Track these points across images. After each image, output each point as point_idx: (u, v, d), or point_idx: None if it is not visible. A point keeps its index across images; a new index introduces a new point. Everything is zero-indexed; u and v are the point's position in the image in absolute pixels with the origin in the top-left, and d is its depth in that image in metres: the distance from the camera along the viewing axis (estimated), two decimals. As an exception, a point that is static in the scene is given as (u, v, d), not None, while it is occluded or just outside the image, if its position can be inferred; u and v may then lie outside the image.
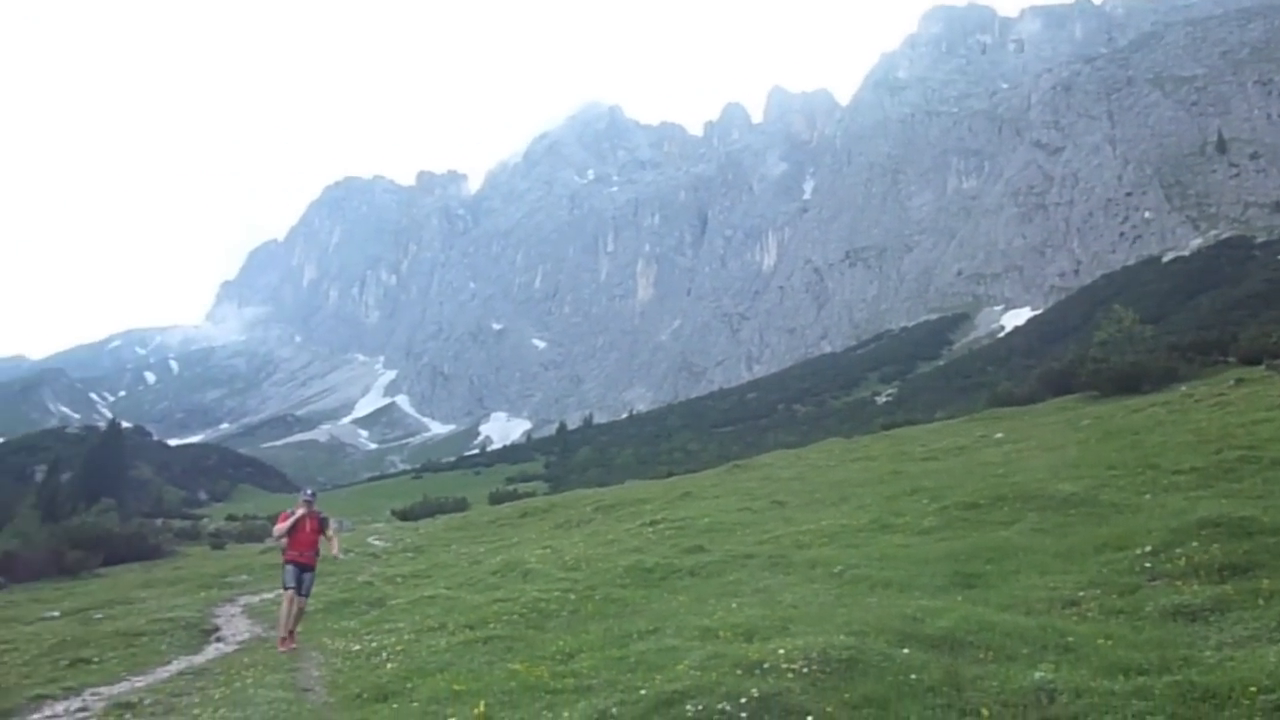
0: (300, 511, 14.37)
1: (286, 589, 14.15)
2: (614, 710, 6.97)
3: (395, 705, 9.00)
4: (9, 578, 43.21)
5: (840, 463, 32.34)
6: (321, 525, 14.54)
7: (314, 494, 15.00)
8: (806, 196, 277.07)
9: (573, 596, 13.65)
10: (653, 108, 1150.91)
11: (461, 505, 62.73)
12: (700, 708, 6.50)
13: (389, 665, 11.02)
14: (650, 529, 21.22)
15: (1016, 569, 11.02)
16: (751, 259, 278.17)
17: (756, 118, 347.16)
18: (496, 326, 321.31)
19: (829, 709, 6.31)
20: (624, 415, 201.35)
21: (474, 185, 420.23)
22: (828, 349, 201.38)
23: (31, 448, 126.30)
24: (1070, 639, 7.45)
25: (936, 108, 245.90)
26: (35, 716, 10.24)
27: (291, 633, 14.02)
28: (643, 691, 7.19)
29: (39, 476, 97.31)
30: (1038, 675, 6.37)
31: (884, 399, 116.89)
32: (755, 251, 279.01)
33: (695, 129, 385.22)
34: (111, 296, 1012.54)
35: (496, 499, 65.67)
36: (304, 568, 14.27)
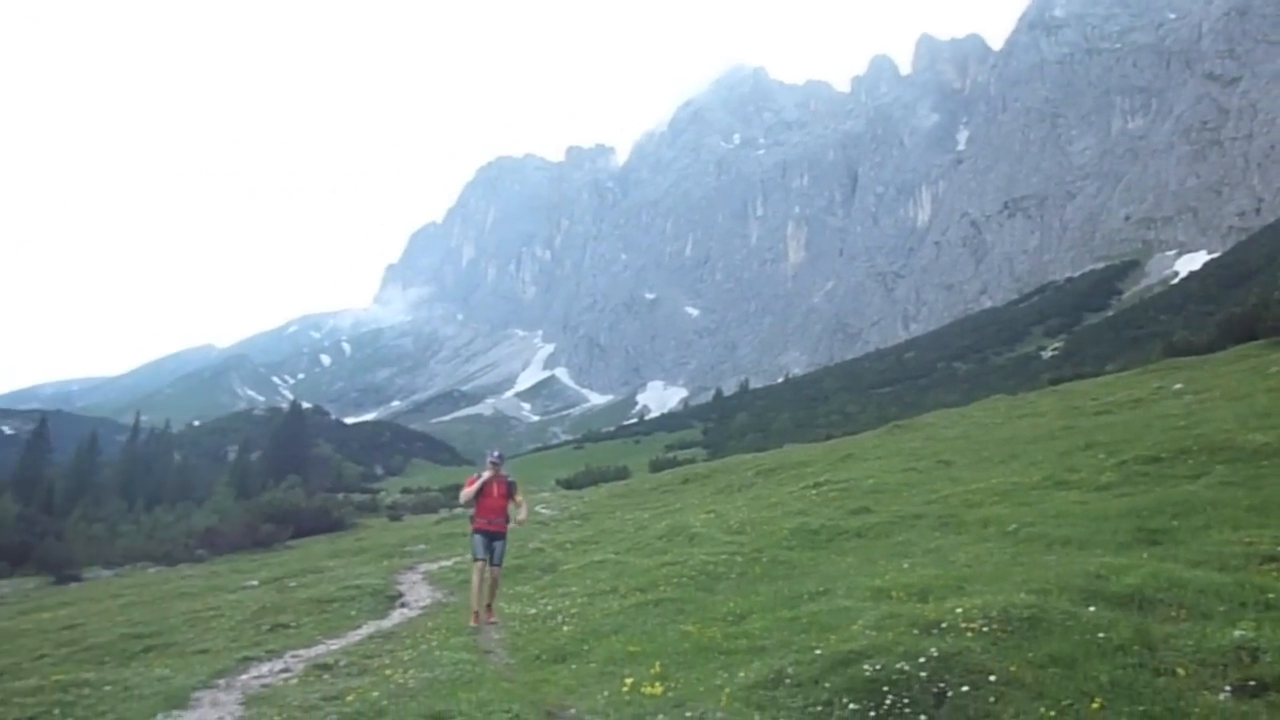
0: (487, 475, 13.24)
1: (477, 560, 13.02)
2: (789, 670, 6.99)
3: (574, 666, 9.26)
4: (210, 550, 46.39)
5: (1007, 420, 31.35)
6: (509, 490, 13.37)
7: (501, 455, 13.69)
8: (960, 147, 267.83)
9: (740, 559, 13.72)
10: (797, 67, 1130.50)
11: (623, 473, 63.66)
12: (878, 667, 6.45)
13: (565, 628, 11.34)
14: (813, 491, 21.09)
15: (1206, 524, 10.49)
16: (905, 215, 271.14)
17: (905, 69, 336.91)
18: (649, 296, 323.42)
19: (1013, 668, 6.18)
20: (779, 380, 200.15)
21: (621, 157, 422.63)
22: (988, 304, 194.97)
23: (223, 430, 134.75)
24: (1270, 596, 7.05)
25: (1097, 45, 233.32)
26: (244, 676, 10.93)
27: (488, 607, 13.15)
28: (818, 651, 7.18)
29: (231, 456, 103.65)
30: (1237, 634, 6.06)
31: (1050, 353, 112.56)
32: (908, 207, 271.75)
33: (842, 85, 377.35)
34: (288, 284, 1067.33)
35: (657, 466, 66.39)
36: (493, 535, 13.14)
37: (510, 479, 13.52)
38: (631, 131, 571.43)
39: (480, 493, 13.18)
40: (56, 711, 9.57)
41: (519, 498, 13.43)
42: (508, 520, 13.39)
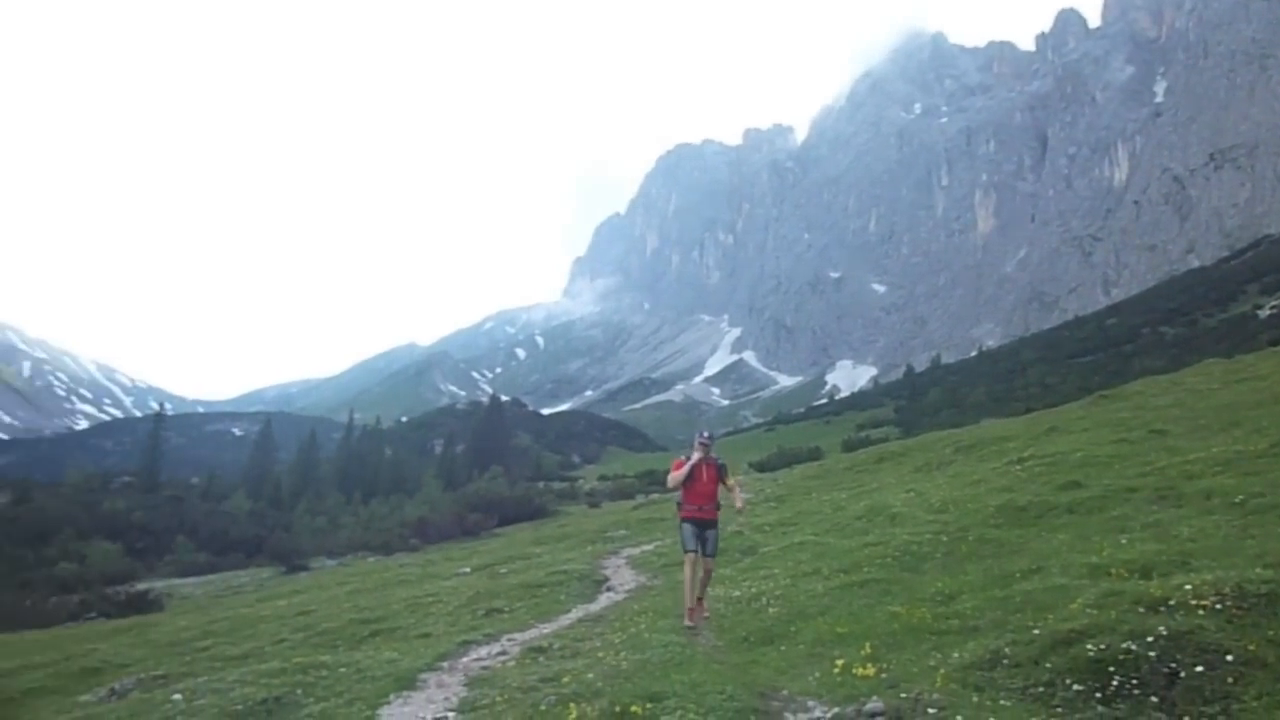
0: (696, 456, 11.93)
1: (687, 552, 11.76)
2: (1007, 650, 6.84)
3: (783, 648, 9.31)
4: (422, 539, 48.77)
5: (1224, 385, 29.31)
6: (720, 473, 12.08)
7: (711, 436, 12.37)
8: (1159, 99, 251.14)
9: (944, 539, 13.41)
10: (978, 29, 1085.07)
11: (816, 454, 63.11)
12: (1102, 647, 6.22)
13: (771, 610, 11.39)
14: (1017, 467, 20.33)
15: None
16: (1100, 175, 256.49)
17: (1094, 21, 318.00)
18: (834, 275, 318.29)
19: (1252, 647, 5.84)
20: (973, 353, 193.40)
21: (800, 136, 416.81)
22: (1195, 263, 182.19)
23: (429, 424, 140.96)
24: None
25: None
26: (465, 659, 11.49)
27: (700, 601, 11.87)
28: (1035, 631, 6.99)
29: (437, 450, 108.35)
30: None
31: (1268, 312, 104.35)
32: (1103, 167, 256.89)
33: (1026, 43, 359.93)
34: (483, 283, 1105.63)
35: (850, 446, 65.45)
36: (704, 524, 11.84)
37: (720, 461, 12.26)
38: (809, 109, 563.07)
39: (689, 477, 11.90)
40: (299, 691, 10.31)
41: (730, 481, 12.21)
42: (718, 506, 12.07)
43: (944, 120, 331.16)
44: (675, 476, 11.95)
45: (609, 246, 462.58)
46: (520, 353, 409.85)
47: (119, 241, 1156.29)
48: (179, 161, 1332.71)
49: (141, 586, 38.86)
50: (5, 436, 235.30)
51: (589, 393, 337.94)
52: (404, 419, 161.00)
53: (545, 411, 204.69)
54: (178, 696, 10.91)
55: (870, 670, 7.39)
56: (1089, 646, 6.30)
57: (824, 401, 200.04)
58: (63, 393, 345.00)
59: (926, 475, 26.37)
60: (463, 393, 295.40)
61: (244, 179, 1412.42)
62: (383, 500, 76.03)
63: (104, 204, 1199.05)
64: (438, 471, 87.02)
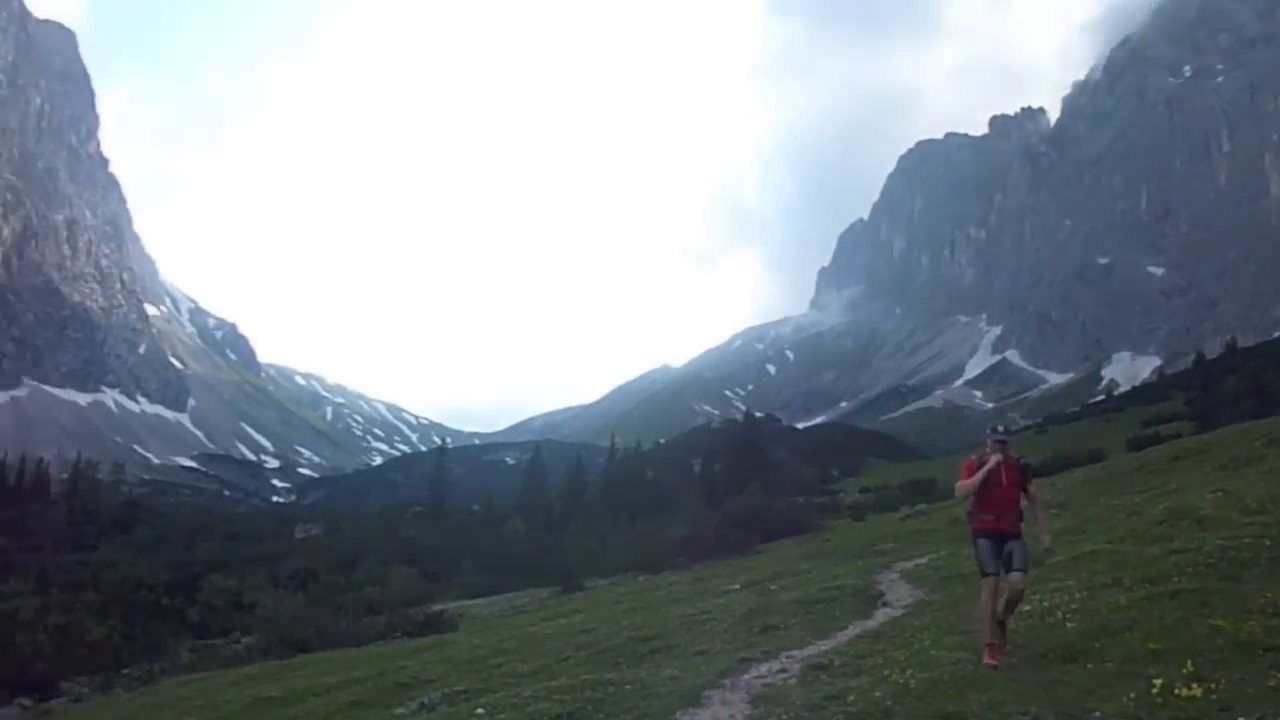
0: (994, 460, 10.04)
1: (986, 575, 9.88)
2: (1363, 668, 6.03)
3: (1089, 665, 8.65)
4: (689, 557, 49.32)
5: None
6: (1022, 475, 10.13)
7: (1006, 431, 10.39)
8: None
9: (1267, 543, 12.12)
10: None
11: (1097, 455, 59.08)
12: None
13: (1069, 624, 10.63)
14: (1345, 459, 18.22)
15: None
16: None
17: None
18: (1102, 261, 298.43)
19: None
20: (1276, 335, 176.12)
21: (1051, 117, 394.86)
22: None
23: (686, 444, 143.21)
24: None
25: None
26: (746, 676, 11.43)
27: (1003, 627, 9.93)
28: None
29: (696, 469, 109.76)
30: None
31: None
32: None
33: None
34: (730, 301, 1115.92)
35: (1136, 444, 60.96)
36: (1004, 536, 9.96)
37: (1023, 461, 10.28)
38: (1059, 87, 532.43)
39: (984, 483, 10.07)
40: (589, 707, 10.59)
41: (1032, 488, 10.20)
42: (1021, 516, 10.13)
43: (1220, 80, 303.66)
44: (966, 484, 10.17)
45: (853, 254, 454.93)
46: (771, 368, 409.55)
47: (392, 291, 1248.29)
48: (432, 208, 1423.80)
49: (436, 607, 41.39)
50: (315, 474, 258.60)
51: (843, 404, 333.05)
52: (662, 440, 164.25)
53: (800, 425, 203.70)
54: (481, 711, 11.49)
55: (1196, 691, 6.72)
56: None
57: (1101, 398, 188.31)
58: (359, 433, 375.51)
59: (1234, 473, 24.13)
60: (716, 411, 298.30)
61: (492, 223, 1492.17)
62: (647, 520, 77.63)
63: (373, 255, 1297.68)
64: (698, 490, 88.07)
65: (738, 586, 24.84)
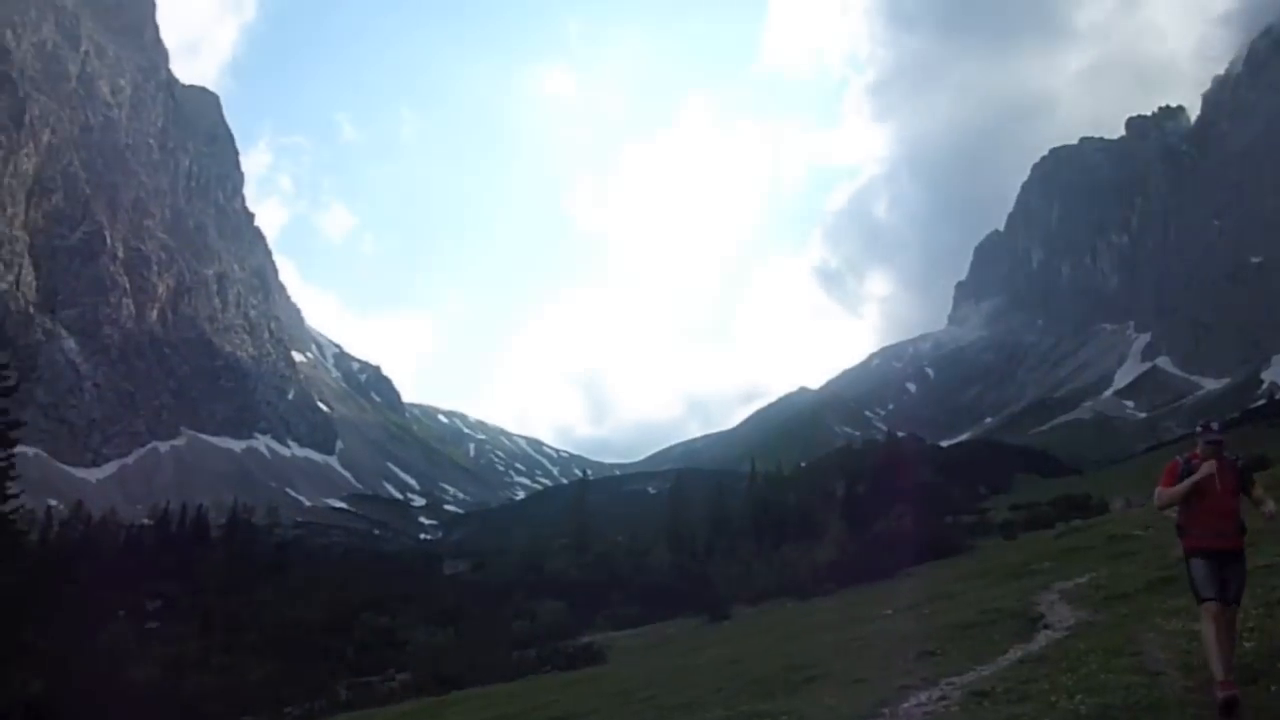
0: (1205, 468, 8.56)
1: (1204, 601, 8.47)
2: None
3: (1271, 688, 8.33)
4: (836, 583, 48.73)
5: None
6: (1241, 480, 8.64)
7: (1220, 427, 8.89)
8: None
9: None
10: None
11: (1262, 462, 56.08)
12: None
13: (1246, 644, 10.21)
14: None
15: None
16: None
17: None
18: (1255, 260, 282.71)
19: None
20: None
21: (1192, 115, 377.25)
22: None
23: (827, 467, 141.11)
24: None
25: None
26: (906, 704, 11.31)
27: (1229, 665, 8.19)
28: None
29: (839, 491, 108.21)
30: None
31: None
32: None
33: None
34: (866, 319, 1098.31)
35: (1310, 450, 57.61)
36: (1225, 556, 8.49)
37: (1240, 461, 8.82)
38: (1197, 84, 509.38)
39: (1193, 492, 8.63)
40: (747, 739, 10.67)
41: (1257, 492, 8.68)
42: (1243, 529, 8.65)
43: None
44: (1167, 492, 8.76)
45: (990, 266, 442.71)
46: (911, 386, 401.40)
47: (525, 327, 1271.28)
48: (560, 243, 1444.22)
49: (584, 640, 41.97)
50: (460, 510, 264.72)
51: (988, 420, 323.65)
52: (803, 464, 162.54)
53: (944, 444, 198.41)
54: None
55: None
56: None
57: (1262, 403, 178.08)
58: (502, 468, 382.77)
59: None
60: (857, 433, 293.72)
61: (621, 256, 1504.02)
62: (792, 546, 76.88)
63: (505, 291, 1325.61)
64: (842, 513, 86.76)
65: (890, 611, 24.48)
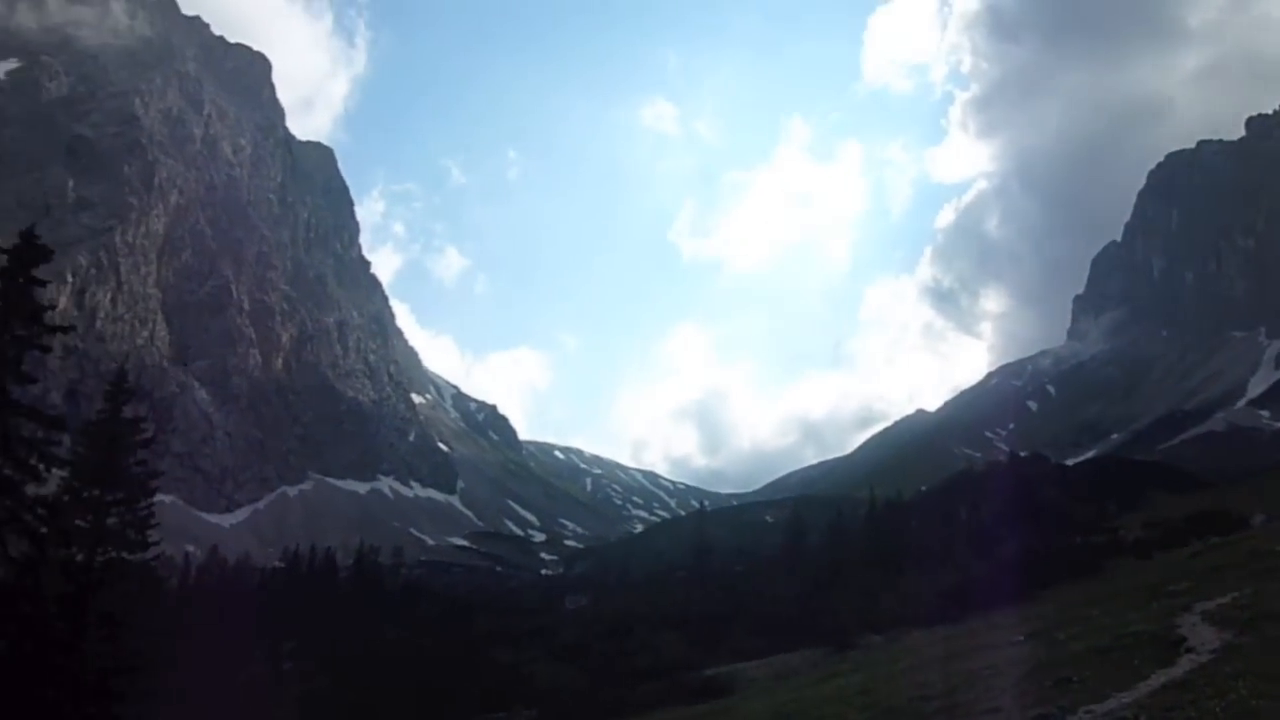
0: None
1: None
2: None
3: None
4: (962, 609, 47.64)
5: None
6: None
7: None
8: None
9: None
10: None
11: None
12: None
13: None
14: None
15: None
16: None
17: None
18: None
19: None
20: None
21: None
22: None
23: (948, 491, 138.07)
24: None
25: None
26: (1043, 733, 11.11)
27: None
28: None
29: (963, 515, 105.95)
30: None
31: None
32: None
33: None
34: (981, 337, 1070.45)
35: None
36: None
37: None
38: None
39: None
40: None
41: None
42: None
43: None
44: None
45: (1109, 277, 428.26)
46: (1032, 404, 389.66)
47: (636, 360, 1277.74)
48: (664, 279, 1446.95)
49: (709, 672, 41.85)
50: (579, 545, 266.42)
51: (1114, 436, 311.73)
52: (923, 488, 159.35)
53: (1069, 462, 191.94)
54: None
55: None
56: None
57: None
58: (619, 501, 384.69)
59: None
60: (978, 454, 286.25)
61: (729, 285, 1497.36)
62: (916, 572, 75.49)
63: (614, 325, 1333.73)
64: (967, 537, 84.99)
65: (1021, 637, 23.89)
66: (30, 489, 25.34)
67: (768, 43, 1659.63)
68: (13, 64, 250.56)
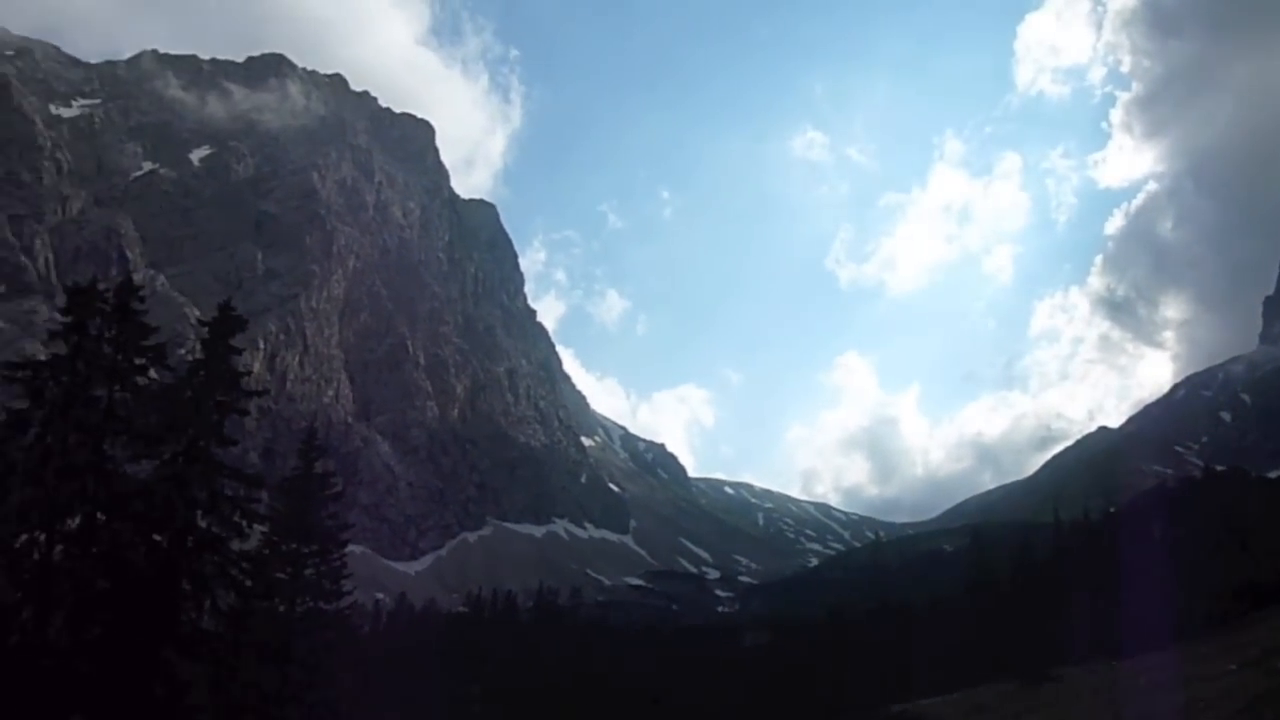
0: None
1: None
2: None
3: None
4: (1164, 637, 44.90)
5: None
6: None
7: None
8: None
9: None
10: None
11: None
12: None
13: None
14: None
15: None
16: None
17: None
18: None
19: None
20: None
21: None
22: None
23: (1141, 510, 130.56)
24: None
25: None
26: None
27: None
28: None
29: (1157, 535, 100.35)
30: None
31: None
32: None
33: None
34: (1162, 347, 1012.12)
35: None
36: None
37: None
38: None
39: None
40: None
41: None
42: None
43: None
44: None
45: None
46: (1225, 415, 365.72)
47: (799, 391, 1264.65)
48: (816, 308, 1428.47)
49: (896, 708, 40.81)
50: (754, 581, 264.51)
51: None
52: (1112, 509, 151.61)
53: (1273, 474, 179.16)
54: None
55: None
56: None
57: None
58: (792, 535, 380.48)
59: None
60: (1169, 470, 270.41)
61: (891, 309, 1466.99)
62: (1109, 598, 71.73)
63: (773, 357, 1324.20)
64: (1164, 559, 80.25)
65: (1234, 666, 22.39)
66: (234, 544, 27.07)
67: (914, 61, 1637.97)
68: (205, 150, 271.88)
